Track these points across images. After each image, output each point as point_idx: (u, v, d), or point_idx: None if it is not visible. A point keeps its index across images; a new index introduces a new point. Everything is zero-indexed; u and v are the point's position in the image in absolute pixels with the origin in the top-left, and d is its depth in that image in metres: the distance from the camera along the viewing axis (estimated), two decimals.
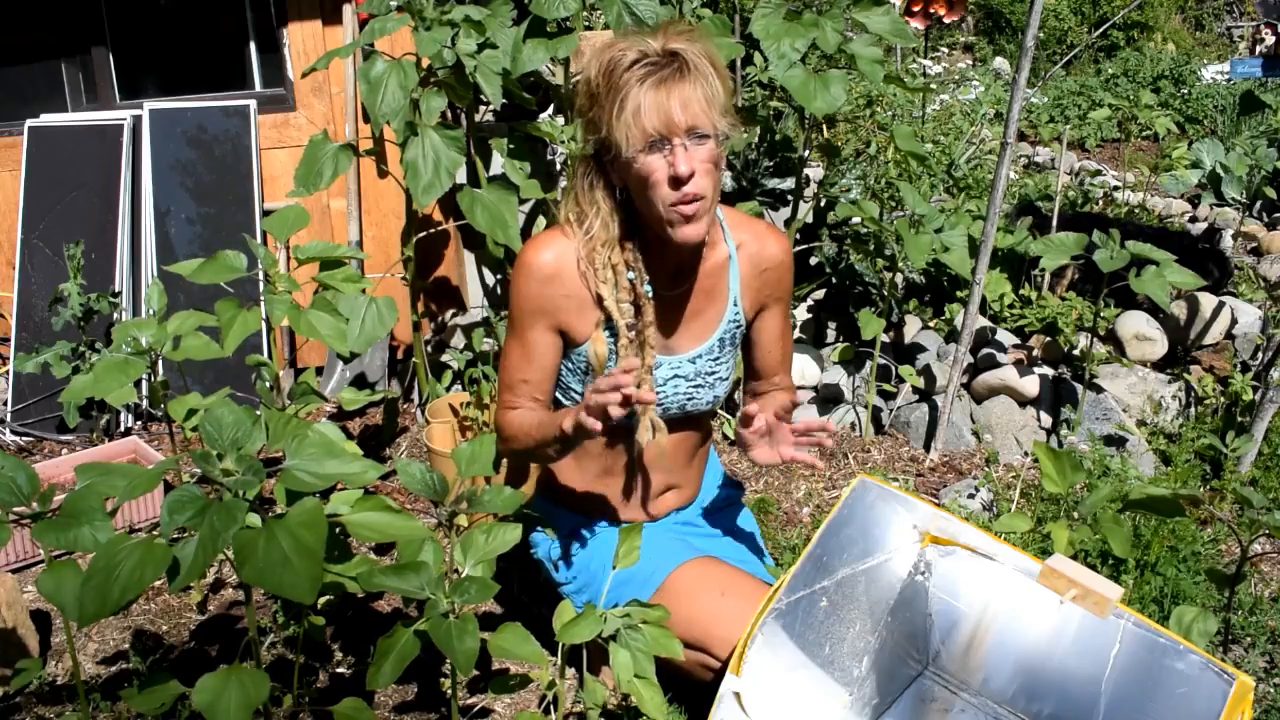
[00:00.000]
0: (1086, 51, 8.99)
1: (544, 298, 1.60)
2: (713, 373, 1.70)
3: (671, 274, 1.62)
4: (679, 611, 1.59)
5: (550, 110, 3.33)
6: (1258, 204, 4.70)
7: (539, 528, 1.84)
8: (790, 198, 3.13)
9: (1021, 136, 6.52)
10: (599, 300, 1.58)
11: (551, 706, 1.66)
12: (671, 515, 1.83)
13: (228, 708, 1.24)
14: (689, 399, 1.69)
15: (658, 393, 1.66)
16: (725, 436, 2.92)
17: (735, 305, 1.68)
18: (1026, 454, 2.81)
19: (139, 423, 3.18)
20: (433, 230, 3.08)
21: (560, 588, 1.81)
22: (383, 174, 2.73)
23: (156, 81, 3.60)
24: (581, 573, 1.77)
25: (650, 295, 1.59)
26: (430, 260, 3.38)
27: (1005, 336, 3.12)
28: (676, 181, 1.45)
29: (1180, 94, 7.17)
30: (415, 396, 3.18)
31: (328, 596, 1.69)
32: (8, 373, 3.30)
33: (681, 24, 1.51)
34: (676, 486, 1.82)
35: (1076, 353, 3.02)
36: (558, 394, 1.73)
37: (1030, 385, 2.88)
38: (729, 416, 2.93)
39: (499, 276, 3.33)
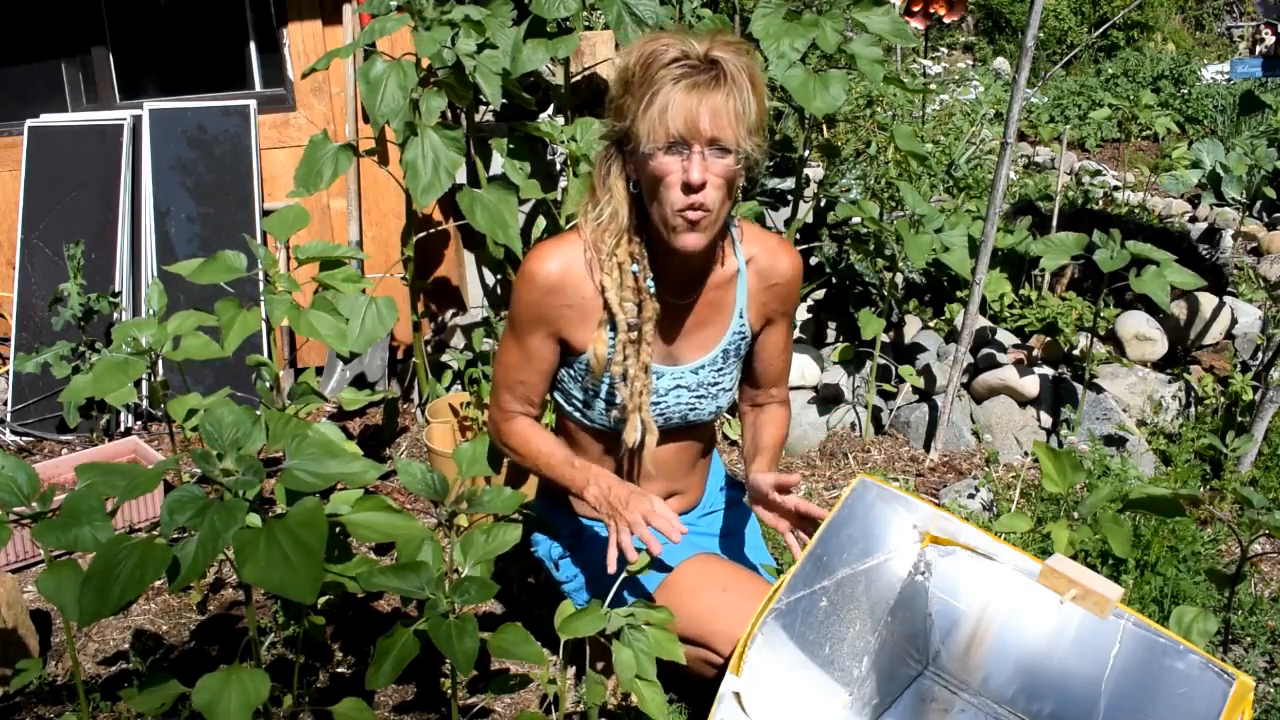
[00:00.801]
0: (1086, 51, 8.99)
1: (545, 307, 1.59)
2: (715, 384, 1.69)
3: (677, 281, 1.62)
4: (680, 607, 1.60)
5: (550, 110, 3.33)
6: (1258, 204, 4.70)
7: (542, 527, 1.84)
8: (790, 198, 3.13)
9: (1021, 136, 6.53)
10: (602, 291, 1.57)
11: (552, 706, 1.66)
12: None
13: (227, 707, 1.24)
14: (691, 409, 1.69)
15: (660, 402, 1.66)
16: (725, 437, 2.92)
17: (741, 318, 1.68)
18: (1026, 454, 2.81)
19: (139, 423, 3.18)
20: (433, 230, 3.08)
21: (561, 586, 1.81)
22: (383, 168, 2.73)
23: (156, 81, 3.60)
24: (581, 573, 1.77)
25: (653, 292, 1.59)
26: (430, 260, 3.38)
27: (1005, 336, 3.12)
28: (687, 188, 1.44)
29: (1180, 94, 7.18)
30: (415, 396, 3.18)
31: (328, 596, 1.69)
32: (8, 373, 3.30)
33: (730, 34, 1.49)
34: (679, 493, 1.82)
35: (1076, 353, 3.02)
36: (558, 398, 1.73)
37: (1030, 385, 2.88)
38: (730, 418, 2.93)
39: (499, 276, 3.33)
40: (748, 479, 1.72)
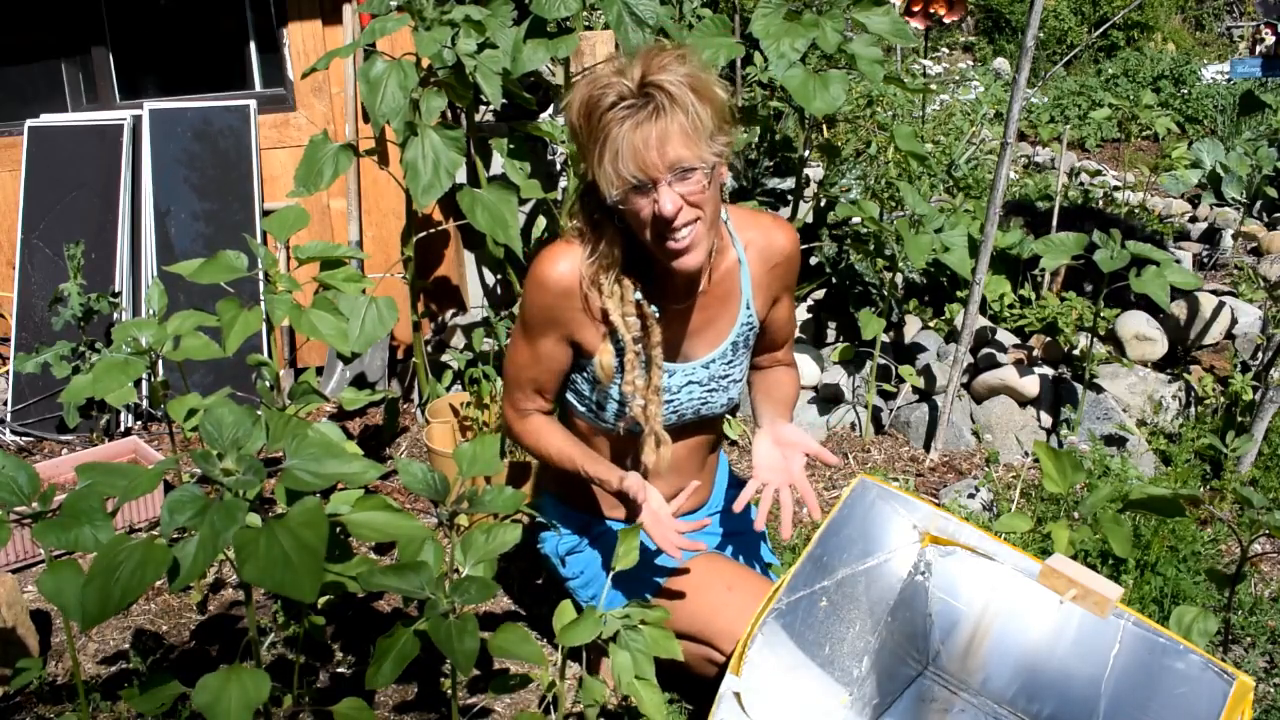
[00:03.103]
0: (1086, 51, 8.99)
1: (557, 310, 1.59)
2: (726, 376, 1.70)
3: (679, 290, 1.62)
4: (684, 605, 1.60)
5: (550, 110, 3.33)
6: (1258, 204, 4.70)
7: (548, 524, 1.84)
8: (790, 198, 3.13)
9: (1021, 136, 6.52)
10: (604, 315, 1.58)
11: (551, 706, 1.66)
12: (683, 518, 1.83)
13: (228, 708, 1.24)
14: (703, 403, 1.69)
15: (673, 400, 1.66)
16: (725, 436, 2.92)
17: (748, 309, 1.68)
18: (1026, 454, 2.81)
19: (139, 423, 3.18)
20: (433, 230, 3.08)
21: (566, 584, 1.81)
22: (383, 168, 2.73)
23: (156, 81, 3.60)
24: (588, 568, 1.77)
25: (658, 316, 1.59)
26: (430, 260, 3.38)
27: (1005, 336, 3.12)
28: (661, 221, 1.44)
29: (1180, 94, 7.18)
30: (415, 396, 3.18)
31: (328, 596, 1.69)
32: (8, 373, 3.30)
33: (665, 51, 1.46)
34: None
35: (1076, 353, 3.02)
36: (570, 397, 1.73)
37: (1030, 385, 2.88)
38: (730, 417, 2.93)
39: (499, 276, 3.32)
40: (776, 428, 1.69)
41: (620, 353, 1.60)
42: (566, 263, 1.58)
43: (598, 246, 1.55)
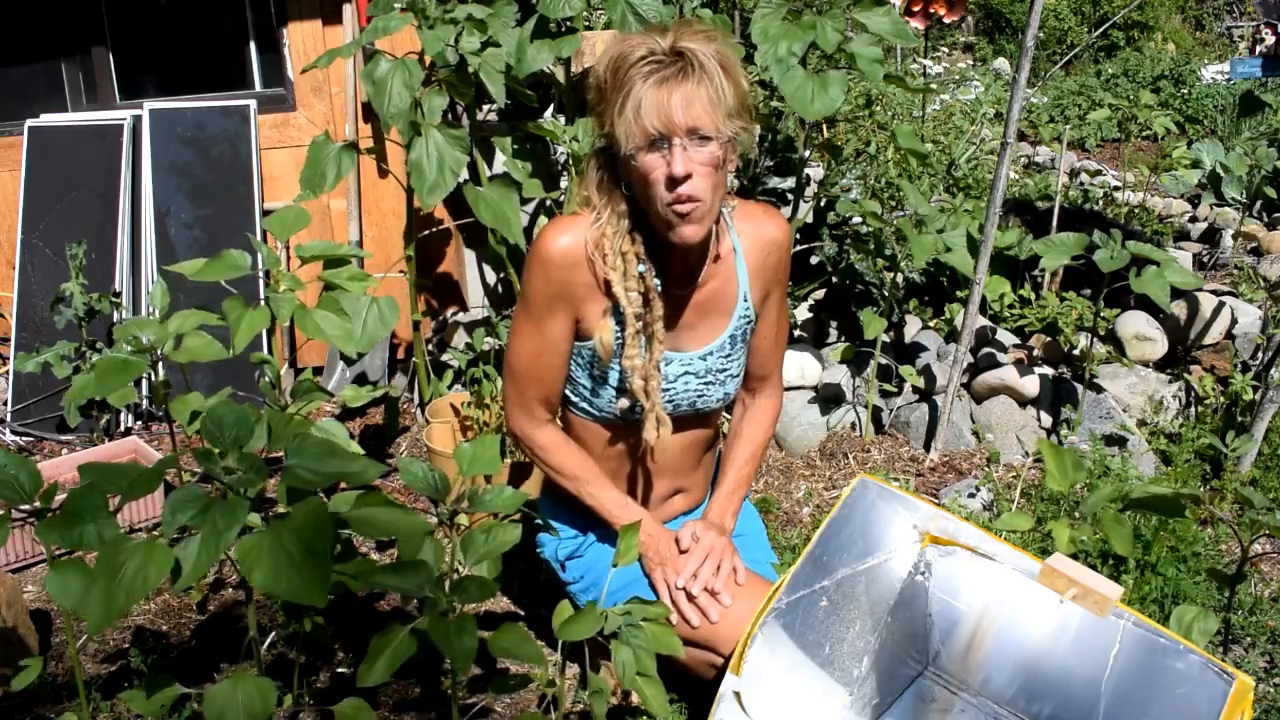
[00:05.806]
0: (1086, 51, 8.99)
1: (564, 284, 1.58)
2: (724, 370, 1.70)
3: (680, 273, 1.62)
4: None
5: (552, 109, 3.34)
6: (1258, 204, 4.70)
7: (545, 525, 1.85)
8: (790, 197, 3.13)
9: (1021, 136, 6.53)
10: (607, 287, 1.57)
11: (551, 706, 1.67)
12: (679, 518, 1.83)
13: (236, 718, 1.24)
14: (699, 396, 1.69)
15: (669, 389, 1.66)
16: (722, 435, 2.92)
17: (745, 301, 1.68)
18: (1027, 454, 2.81)
19: (139, 423, 3.18)
20: (434, 229, 3.08)
21: (566, 587, 1.81)
22: (383, 173, 2.73)
23: (156, 81, 3.60)
24: (589, 572, 1.77)
25: (660, 290, 1.59)
26: (431, 259, 3.38)
27: (1005, 336, 3.12)
28: (672, 182, 1.44)
29: (1180, 94, 7.18)
30: (415, 396, 3.18)
31: (329, 595, 1.69)
32: (8, 373, 3.30)
33: (698, 24, 1.49)
34: (684, 490, 1.82)
35: (1076, 353, 3.02)
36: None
37: (1030, 385, 2.88)
38: (728, 416, 2.93)
39: (500, 275, 3.33)
40: (709, 505, 1.79)
41: (621, 328, 1.59)
42: (569, 235, 1.57)
43: (605, 213, 1.56)
